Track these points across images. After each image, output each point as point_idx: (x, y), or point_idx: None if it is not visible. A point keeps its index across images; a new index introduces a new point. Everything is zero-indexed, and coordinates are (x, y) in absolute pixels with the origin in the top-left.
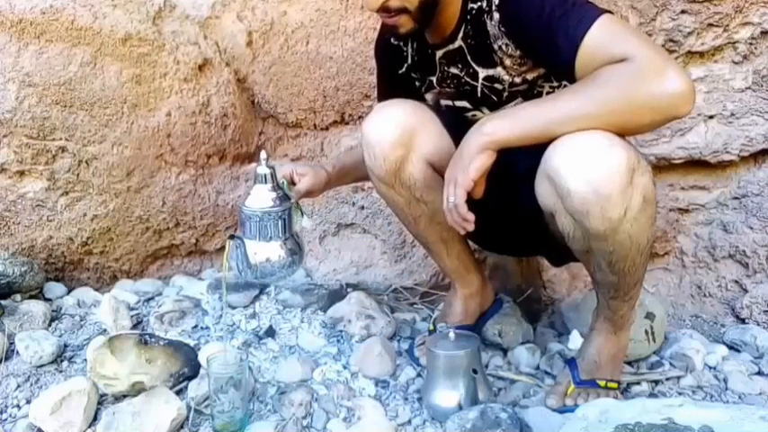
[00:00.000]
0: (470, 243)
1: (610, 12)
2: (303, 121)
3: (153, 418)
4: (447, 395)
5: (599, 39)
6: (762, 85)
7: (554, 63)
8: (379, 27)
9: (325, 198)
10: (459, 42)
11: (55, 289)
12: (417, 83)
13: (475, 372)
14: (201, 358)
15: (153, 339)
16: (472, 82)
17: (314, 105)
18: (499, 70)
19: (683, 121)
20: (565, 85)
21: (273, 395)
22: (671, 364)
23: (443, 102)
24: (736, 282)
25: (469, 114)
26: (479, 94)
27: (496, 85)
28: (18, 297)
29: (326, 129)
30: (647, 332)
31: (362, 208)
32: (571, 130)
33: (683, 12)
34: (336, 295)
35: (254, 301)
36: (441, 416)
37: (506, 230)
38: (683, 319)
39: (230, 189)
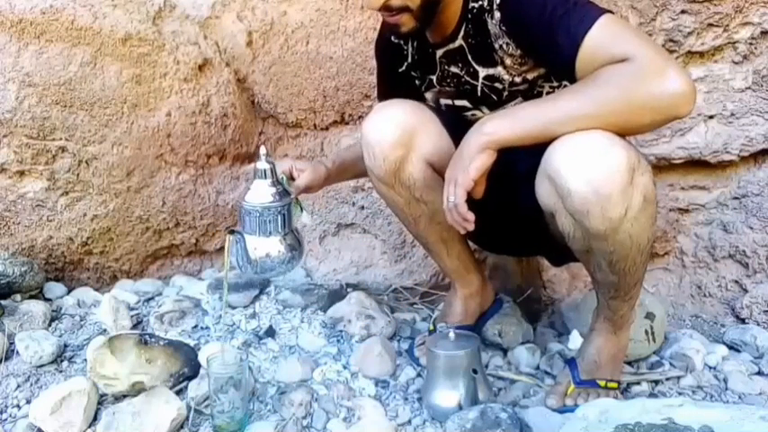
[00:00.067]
0: (470, 243)
1: (611, 12)
2: (303, 121)
3: (153, 418)
4: (447, 395)
5: (600, 38)
6: (762, 85)
7: (554, 62)
8: (379, 26)
9: (325, 198)
10: (459, 41)
11: (55, 289)
12: (417, 81)
13: (475, 372)
14: (201, 358)
15: (153, 339)
16: (472, 81)
17: (314, 105)
18: (499, 70)
19: (683, 121)
20: (565, 85)
21: (273, 395)
22: (671, 364)
23: (443, 101)
24: (736, 282)
25: (469, 114)
26: (479, 94)
27: (496, 85)
28: (18, 297)
29: (326, 129)
30: (647, 332)
31: (362, 208)
32: (571, 130)
33: (683, 12)
34: (336, 295)
35: (254, 301)
36: (441, 416)
37: (506, 230)
38: (683, 319)
39: (230, 189)
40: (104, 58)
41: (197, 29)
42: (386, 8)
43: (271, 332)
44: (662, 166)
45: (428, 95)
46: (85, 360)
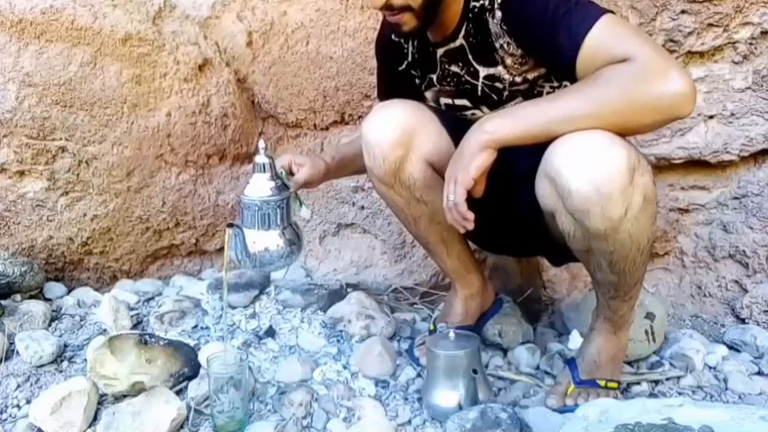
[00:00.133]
0: (470, 243)
1: (612, 12)
2: (303, 121)
3: (153, 418)
4: (447, 395)
5: (601, 38)
6: (762, 85)
7: (555, 62)
8: (379, 26)
9: (325, 198)
10: (460, 41)
11: (55, 289)
12: (417, 80)
13: (475, 372)
14: (201, 358)
15: (153, 339)
16: (473, 80)
17: (314, 105)
18: (500, 69)
19: (683, 122)
20: (565, 85)
21: (273, 395)
22: (671, 364)
23: (443, 100)
24: (736, 282)
25: (469, 113)
26: (480, 93)
27: (497, 84)
28: (18, 297)
29: (326, 129)
30: (647, 332)
31: (362, 208)
32: (572, 130)
33: (683, 12)
34: (336, 295)
35: (254, 301)
36: (441, 416)
37: (506, 230)
38: (683, 319)
39: (230, 189)
40: (104, 58)
41: (197, 29)
42: (388, 7)
43: (271, 332)
44: (662, 166)
45: (428, 94)
46: (85, 360)
